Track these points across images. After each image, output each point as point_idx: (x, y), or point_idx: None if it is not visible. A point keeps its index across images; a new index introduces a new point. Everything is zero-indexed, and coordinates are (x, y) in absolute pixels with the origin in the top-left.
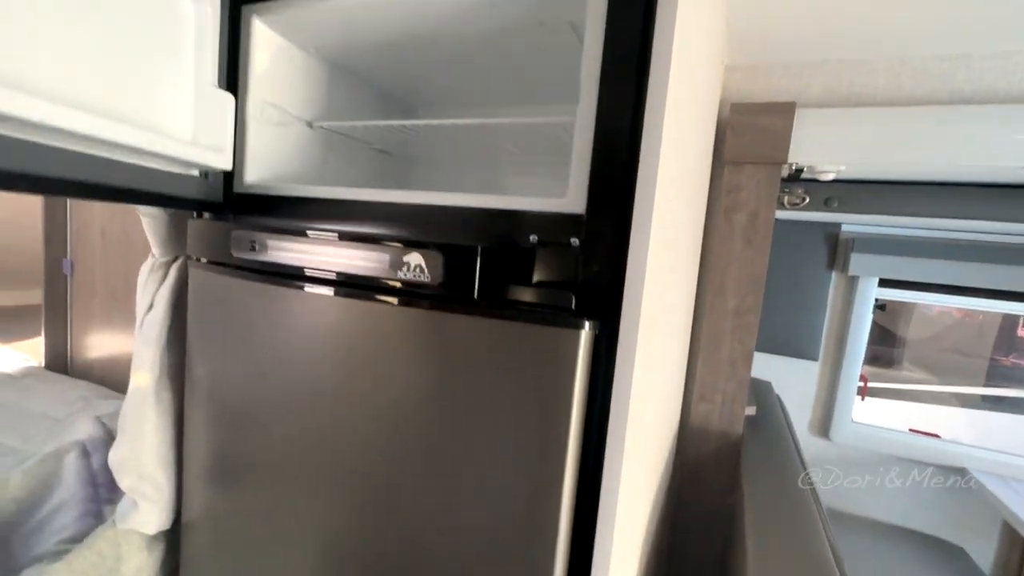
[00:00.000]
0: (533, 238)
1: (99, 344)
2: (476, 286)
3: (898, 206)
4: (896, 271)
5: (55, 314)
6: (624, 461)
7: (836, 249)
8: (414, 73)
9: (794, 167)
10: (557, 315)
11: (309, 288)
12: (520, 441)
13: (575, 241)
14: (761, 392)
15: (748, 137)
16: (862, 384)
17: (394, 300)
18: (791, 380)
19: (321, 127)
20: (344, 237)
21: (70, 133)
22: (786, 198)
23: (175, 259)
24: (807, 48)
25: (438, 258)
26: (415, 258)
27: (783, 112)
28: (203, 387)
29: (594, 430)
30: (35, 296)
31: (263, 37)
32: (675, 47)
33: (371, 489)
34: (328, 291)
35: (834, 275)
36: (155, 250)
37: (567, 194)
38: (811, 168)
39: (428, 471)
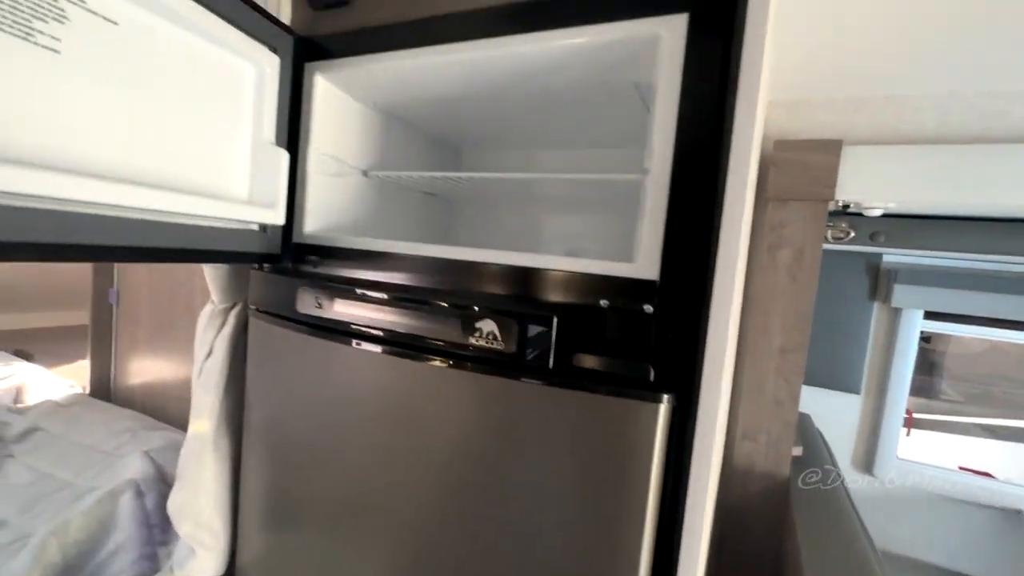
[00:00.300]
0: (604, 303)
1: (141, 371)
2: (552, 356)
3: (948, 242)
4: (942, 304)
5: (100, 342)
6: (703, 537)
7: (878, 279)
8: (466, 120)
9: (840, 203)
10: (634, 386)
11: (376, 348)
12: (593, 514)
13: (648, 308)
14: (803, 428)
15: (793, 174)
16: (907, 418)
17: (464, 365)
18: (831, 413)
19: (376, 176)
20: (414, 300)
21: (132, 208)
22: (830, 232)
23: (234, 305)
24: (851, 84)
25: (513, 326)
26: (488, 324)
27: (829, 149)
28: (261, 434)
29: (668, 500)
30: (80, 317)
31: (324, 92)
32: (757, 116)
33: (430, 553)
34: (395, 351)
35: (876, 306)
36: (215, 297)
37: (637, 259)
38: (858, 204)
39: (491, 537)
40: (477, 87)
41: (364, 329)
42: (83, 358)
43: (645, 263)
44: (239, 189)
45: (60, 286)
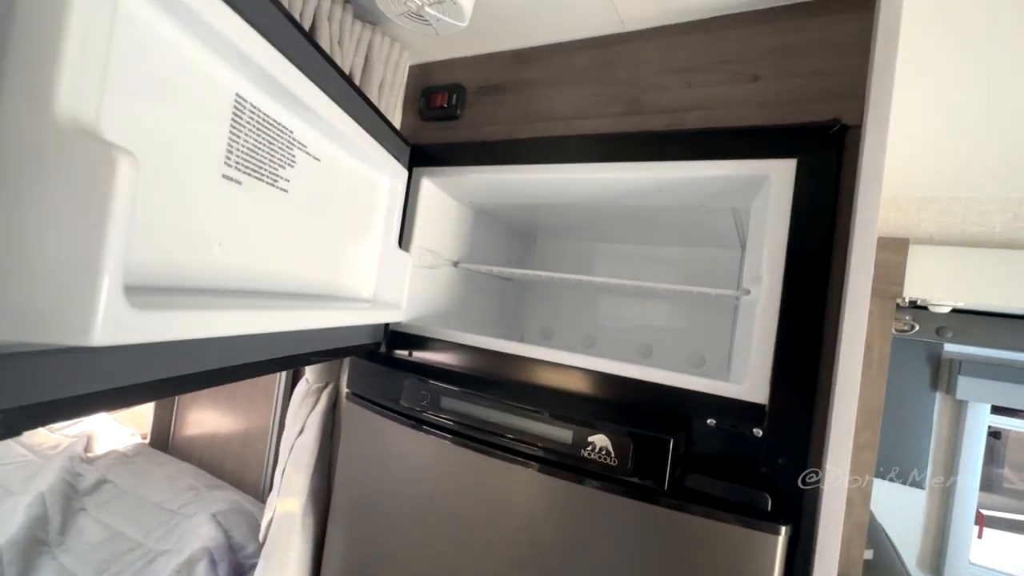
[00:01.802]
0: (711, 422)
1: (200, 422)
2: (667, 477)
3: (1015, 341)
4: (1010, 399)
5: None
6: None
7: (939, 369)
8: (550, 217)
9: (907, 299)
10: (751, 514)
11: (479, 450)
12: None
13: (758, 432)
14: (871, 528)
15: None
16: (978, 518)
17: (573, 477)
18: (895, 508)
19: (467, 268)
20: (527, 406)
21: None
22: (894, 325)
23: (326, 385)
24: (915, 184)
25: (628, 444)
26: (601, 440)
27: (896, 248)
28: (350, 517)
29: None
30: None
31: (429, 194)
32: (868, 243)
33: None
34: (499, 455)
35: (939, 396)
36: (309, 376)
37: (744, 381)
38: (925, 300)
39: None
40: (571, 198)
41: (469, 429)
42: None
43: (752, 386)
44: (367, 290)
45: None
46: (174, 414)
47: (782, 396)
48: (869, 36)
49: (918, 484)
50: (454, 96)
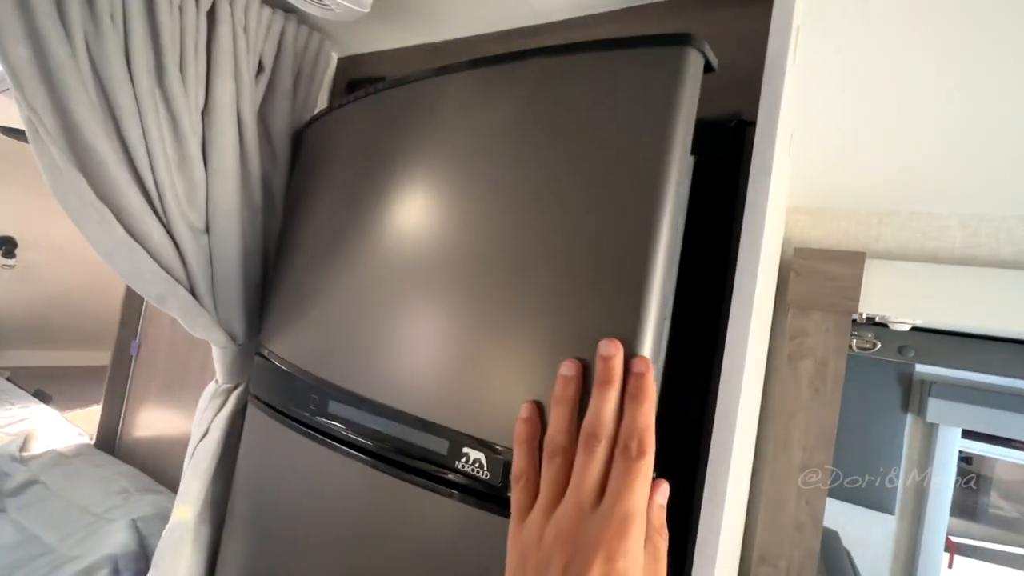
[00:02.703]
0: None
1: (148, 424)
2: None
3: (981, 362)
4: (982, 423)
5: (114, 391)
6: None
7: (910, 390)
8: None
9: (865, 316)
10: None
11: (363, 460)
12: None
13: None
14: (828, 546)
15: (814, 283)
16: (949, 544)
17: (445, 491)
18: (862, 533)
19: None
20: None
21: None
22: (855, 342)
23: (236, 386)
24: (875, 197)
25: (499, 460)
26: (475, 453)
27: (853, 261)
28: (243, 526)
29: None
30: (102, 358)
31: None
32: (767, 226)
33: None
34: (380, 466)
35: (909, 418)
36: (219, 376)
37: None
38: (884, 317)
39: None
40: None
41: (354, 437)
42: (98, 402)
43: None
44: None
45: (90, 326)
46: (123, 414)
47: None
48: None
49: (887, 509)
50: None
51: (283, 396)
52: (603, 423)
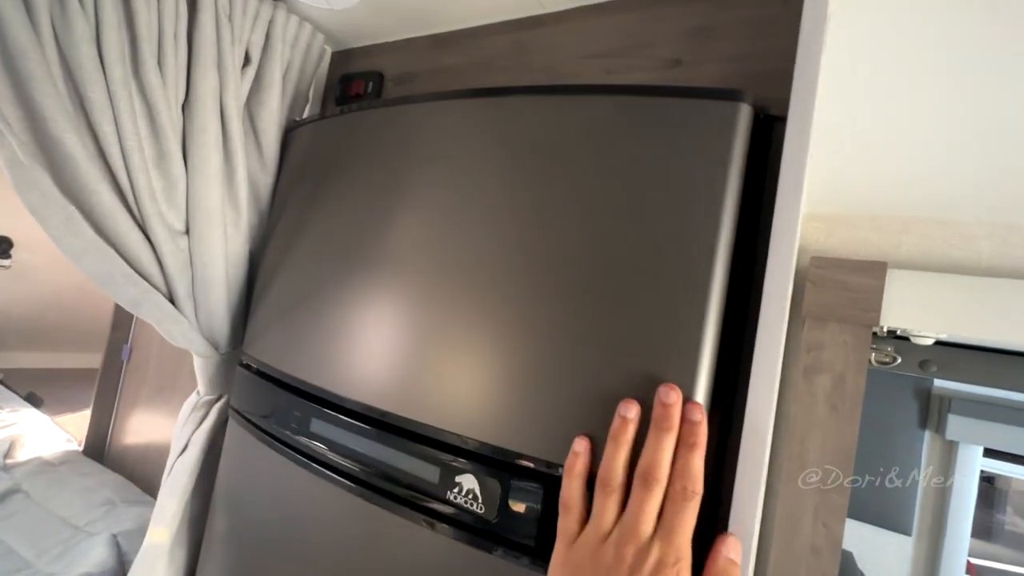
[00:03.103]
0: None
1: (137, 431)
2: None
3: (1009, 379)
4: (1005, 442)
5: (104, 396)
6: None
7: (928, 405)
8: None
9: (886, 330)
10: None
11: (347, 487)
12: None
13: None
14: (844, 568)
15: (832, 294)
16: (969, 569)
17: (434, 523)
18: (877, 554)
19: None
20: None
21: None
22: (874, 356)
23: (219, 398)
24: (897, 204)
25: (496, 488)
26: (469, 481)
27: (873, 271)
28: (220, 551)
29: None
30: (96, 360)
31: None
32: (786, 258)
33: None
34: (366, 494)
35: (927, 435)
36: (201, 387)
37: None
38: (905, 330)
39: None
40: None
41: (336, 459)
42: (87, 407)
43: None
44: None
45: (82, 328)
46: (112, 419)
47: None
48: (799, 15)
49: (904, 530)
50: (370, 84)
51: (264, 411)
52: (661, 466)
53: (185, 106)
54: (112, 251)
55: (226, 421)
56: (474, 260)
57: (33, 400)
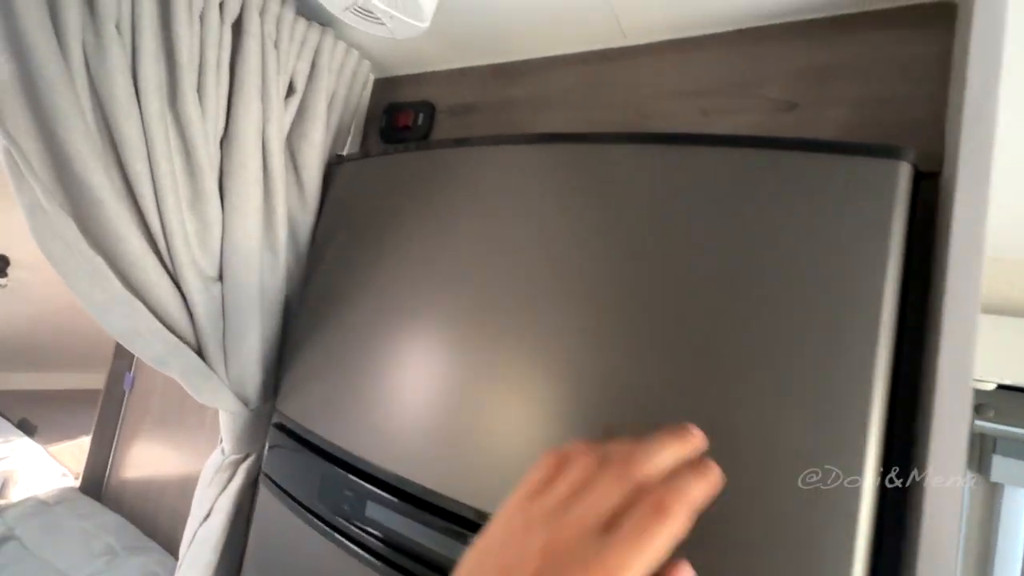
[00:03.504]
0: None
1: (138, 465)
2: None
3: None
4: None
5: (105, 429)
6: None
7: (971, 445)
8: None
9: None
10: None
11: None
12: None
13: None
14: None
15: None
16: None
17: None
18: None
19: None
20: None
21: None
22: None
23: (246, 457)
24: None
25: None
26: None
27: None
28: None
29: None
30: (91, 380)
31: None
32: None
33: None
34: None
35: (969, 475)
36: (226, 447)
37: None
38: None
39: None
40: None
41: (395, 555)
42: (87, 432)
43: None
44: None
45: (79, 349)
46: (112, 450)
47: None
48: (948, 57)
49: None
50: (420, 115)
51: (306, 485)
52: (654, 462)
53: (224, 141)
54: (140, 305)
55: (254, 482)
56: (566, 332)
57: (26, 428)
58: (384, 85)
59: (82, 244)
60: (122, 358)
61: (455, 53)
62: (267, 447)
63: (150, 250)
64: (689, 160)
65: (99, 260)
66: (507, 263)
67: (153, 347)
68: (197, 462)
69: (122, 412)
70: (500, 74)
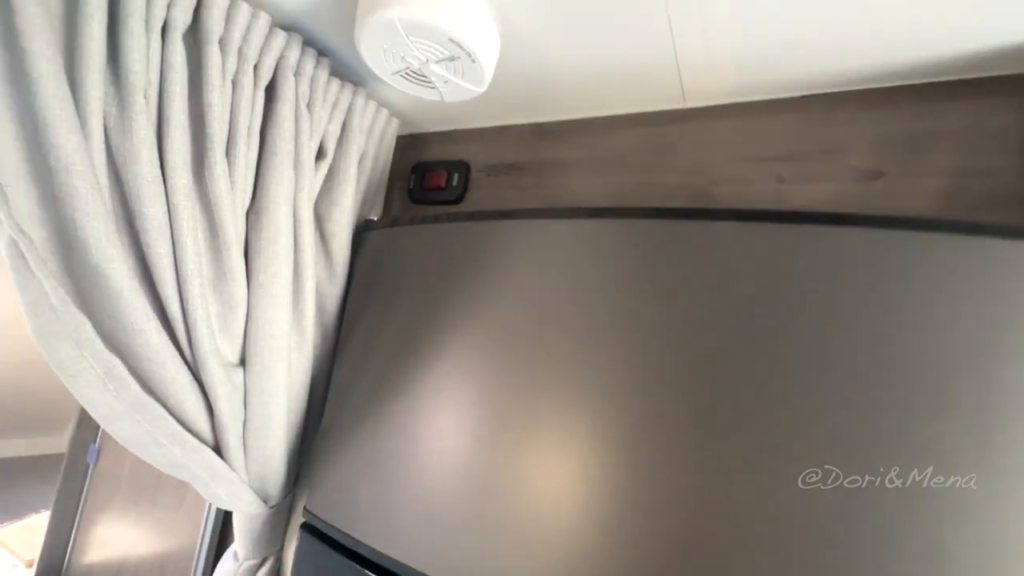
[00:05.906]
0: None
1: (104, 542)
2: None
3: None
4: None
5: (65, 510)
6: None
7: None
8: None
9: None
10: None
11: None
12: None
13: None
14: None
15: None
16: None
17: None
18: None
19: None
20: None
21: None
22: None
23: (263, 561)
24: None
25: None
26: None
27: None
28: None
29: None
30: (53, 444)
31: None
32: None
33: None
34: None
35: None
36: (240, 551)
37: None
38: None
39: None
40: None
41: None
42: (38, 510)
43: None
44: None
45: (33, 410)
46: (74, 530)
47: None
48: None
49: None
50: (455, 176)
51: None
52: None
53: (250, 212)
54: (159, 408)
55: None
56: (643, 432)
57: None
58: (409, 142)
59: (97, 344)
60: (86, 428)
61: (495, 111)
62: (295, 550)
63: (168, 340)
64: (825, 241)
65: (116, 361)
66: (567, 351)
67: (170, 453)
68: (178, 535)
69: (84, 489)
70: (542, 134)
